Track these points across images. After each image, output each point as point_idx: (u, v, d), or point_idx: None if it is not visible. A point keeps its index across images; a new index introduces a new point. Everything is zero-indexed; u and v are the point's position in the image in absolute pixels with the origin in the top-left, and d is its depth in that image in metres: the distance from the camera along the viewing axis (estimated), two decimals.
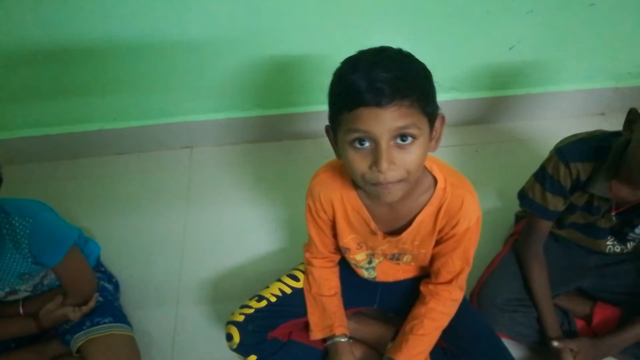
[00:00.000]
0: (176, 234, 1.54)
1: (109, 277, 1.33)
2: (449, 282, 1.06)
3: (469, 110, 1.77)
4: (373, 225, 1.00)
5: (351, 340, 1.13)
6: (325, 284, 1.13)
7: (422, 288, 1.10)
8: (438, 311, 1.07)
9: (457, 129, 1.78)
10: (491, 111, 1.78)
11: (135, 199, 1.65)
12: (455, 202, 0.96)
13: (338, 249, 1.14)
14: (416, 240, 1.02)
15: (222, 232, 1.54)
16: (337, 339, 1.10)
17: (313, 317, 1.14)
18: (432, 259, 1.07)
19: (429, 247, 1.04)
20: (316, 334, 1.13)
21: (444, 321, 1.08)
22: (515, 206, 1.36)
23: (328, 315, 1.12)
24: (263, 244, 1.51)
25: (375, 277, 1.16)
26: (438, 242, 1.03)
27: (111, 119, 1.69)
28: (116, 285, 1.34)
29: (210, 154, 1.78)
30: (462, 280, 1.06)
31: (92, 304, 1.14)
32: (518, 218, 1.40)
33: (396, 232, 1.01)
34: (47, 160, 1.74)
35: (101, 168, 1.75)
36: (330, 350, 1.10)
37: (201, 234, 1.54)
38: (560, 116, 1.79)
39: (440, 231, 1.01)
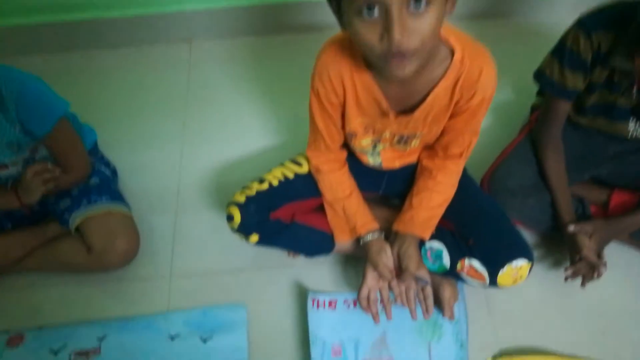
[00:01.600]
0: (175, 129, 1.49)
1: (106, 163, 1.29)
2: (459, 155, 1.02)
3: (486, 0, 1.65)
4: (385, 104, 0.93)
5: (377, 234, 1.07)
6: (339, 187, 1.08)
7: (426, 163, 1.07)
8: (445, 184, 1.05)
9: (471, 23, 1.67)
10: (508, 2, 1.66)
11: (133, 94, 1.59)
12: (473, 73, 0.89)
13: (345, 145, 1.08)
14: (429, 118, 0.96)
15: (222, 127, 1.50)
16: (365, 240, 1.06)
17: (334, 222, 1.10)
18: (440, 134, 1.01)
19: (442, 125, 0.99)
20: (342, 238, 1.10)
21: (451, 193, 1.06)
22: (530, 99, 1.30)
23: (349, 218, 1.07)
24: (264, 139, 1.47)
25: (380, 164, 1.11)
26: (450, 117, 0.97)
27: (103, 7, 1.59)
28: (114, 172, 1.30)
29: (210, 48, 1.70)
30: (470, 151, 1.03)
31: (57, 172, 1.07)
32: (533, 109, 1.32)
33: (408, 110, 0.95)
34: (38, 53, 1.67)
35: (96, 62, 1.68)
36: (364, 250, 1.06)
37: (201, 129, 1.49)
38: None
39: (454, 105, 0.94)
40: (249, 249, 1.21)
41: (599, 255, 1.08)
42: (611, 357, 1.07)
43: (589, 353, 1.08)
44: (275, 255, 1.21)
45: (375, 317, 1.03)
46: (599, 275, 1.07)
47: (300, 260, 1.20)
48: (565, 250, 1.14)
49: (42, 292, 1.18)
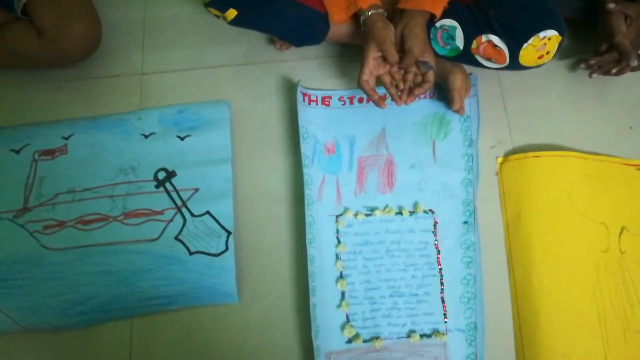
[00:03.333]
0: None
1: None
2: None
3: None
4: None
5: (382, 11, 0.88)
6: None
7: None
8: None
9: None
10: None
11: None
12: None
13: None
14: None
15: None
16: (367, 15, 0.87)
17: None
18: None
19: None
20: (338, 16, 0.91)
21: None
22: None
23: None
24: None
25: None
26: None
27: None
28: None
29: None
30: None
31: None
32: None
33: None
34: None
35: None
36: (365, 29, 0.88)
37: None
38: None
39: None
40: (232, 42, 1.05)
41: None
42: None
43: (614, 151, 0.96)
44: (261, 50, 1.05)
45: (380, 103, 0.89)
46: (621, 71, 0.92)
47: (290, 54, 1.05)
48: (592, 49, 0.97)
49: None
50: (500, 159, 0.97)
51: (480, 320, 0.87)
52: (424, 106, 0.98)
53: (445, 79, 0.94)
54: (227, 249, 0.89)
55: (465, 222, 0.92)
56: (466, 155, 0.96)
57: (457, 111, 0.94)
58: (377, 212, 0.92)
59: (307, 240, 0.89)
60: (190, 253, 0.89)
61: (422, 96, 0.98)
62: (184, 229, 0.91)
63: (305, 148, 0.94)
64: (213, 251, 0.89)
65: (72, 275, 0.88)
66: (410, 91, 0.87)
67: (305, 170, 0.93)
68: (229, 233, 0.90)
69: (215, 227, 0.91)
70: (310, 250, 0.88)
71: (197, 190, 0.94)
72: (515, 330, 0.87)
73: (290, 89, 1.01)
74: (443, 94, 0.97)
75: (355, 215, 0.92)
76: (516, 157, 0.95)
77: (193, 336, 0.87)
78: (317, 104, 0.99)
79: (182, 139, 0.98)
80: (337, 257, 0.90)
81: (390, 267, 0.90)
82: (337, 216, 0.93)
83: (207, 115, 0.99)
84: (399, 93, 0.88)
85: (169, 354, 0.86)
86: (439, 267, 0.90)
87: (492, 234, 0.92)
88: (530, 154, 0.94)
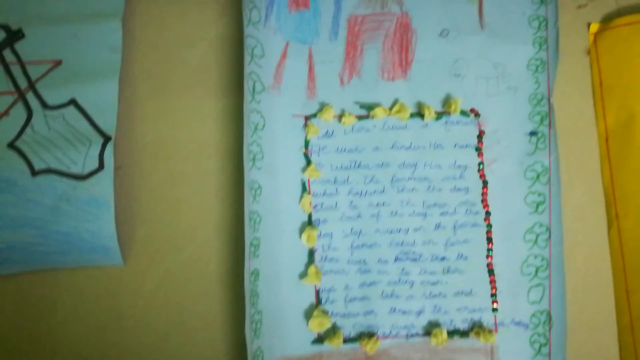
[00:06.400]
0: None
1: None
2: None
3: None
4: None
5: None
6: None
7: None
8: None
9: None
10: None
11: None
12: None
13: None
14: None
15: None
16: None
17: None
18: None
19: None
20: None
21: None
22: None
23: None
24: None
25: None
26: None
27: None
28: None
29: None
30: None
31: None
32: None
33: None
34: None
35: None
36: None
37: None
38: None
39: None
40: None
41: None
42: None
43: None
44: None
45: None
46: None
47: None
48: None
49: None
50: (595, 26, 0.56)
51: (560, 308, 0.49)
52: None
53: None
54: (101, 166, 0.49)
55: (534, 134, 0.52)
56: (536, 18, 0.55)
57: None
58: (378, 111, 0.52)
59: (247, 157, 0.48)
60: (34, 173, 0.49)
61: None
62: (27, 129, 0.51)
63: None
64: (75, 170, 0.49)
65: None
66: None
67: (249, 31, 0.51)
68: (107, 139, 0.49)
69: (84, 126, 0.50)
70: (253, 175, 0.49)
71: (58, 63, 0.53)
72: (620, 319, 0.49)
73: None
74: None
75: (340, 116, 0.52)
76: (625, 20, 0.55)
77: (41, 320, 0.48)
78: None
79: None
80: (305, 188, 0.51)
81: (397, 208, 0.51)
82: (306, 117, 0.52)
83: None
84: None
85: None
86: (486, 210, 0.51)
87: (580, 153, 0.53)
88: None
